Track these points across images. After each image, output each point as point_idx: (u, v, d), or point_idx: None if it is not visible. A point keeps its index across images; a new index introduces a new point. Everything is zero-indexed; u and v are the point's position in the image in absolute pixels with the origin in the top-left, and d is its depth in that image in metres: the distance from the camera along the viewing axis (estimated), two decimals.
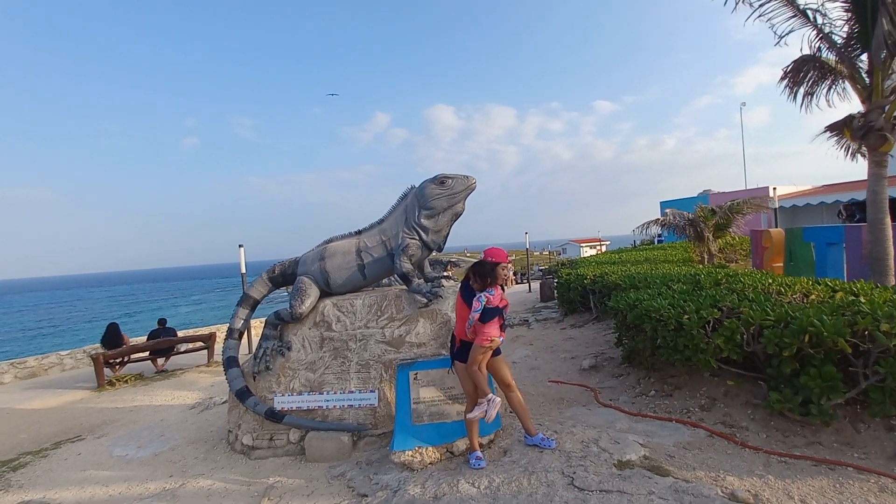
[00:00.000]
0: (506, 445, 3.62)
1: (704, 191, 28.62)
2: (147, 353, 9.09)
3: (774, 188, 13.98)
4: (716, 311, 4.02)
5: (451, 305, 4.29)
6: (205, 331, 10.87)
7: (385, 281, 5.36)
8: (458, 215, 4.50)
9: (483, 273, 3.33)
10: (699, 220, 11.18)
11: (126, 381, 8.22)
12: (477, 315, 3.26)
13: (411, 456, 3.50)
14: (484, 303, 3.26)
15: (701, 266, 9.17)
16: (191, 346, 9.75)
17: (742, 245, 13.81)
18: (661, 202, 29.48)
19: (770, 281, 4.91)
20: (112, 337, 9.05)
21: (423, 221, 4.39)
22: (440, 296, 4.32)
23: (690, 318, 4.03)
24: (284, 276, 4.89)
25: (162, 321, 9.81)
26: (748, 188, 25.63)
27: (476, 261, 3.44)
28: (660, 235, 23.25)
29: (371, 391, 4.20)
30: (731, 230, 11.70)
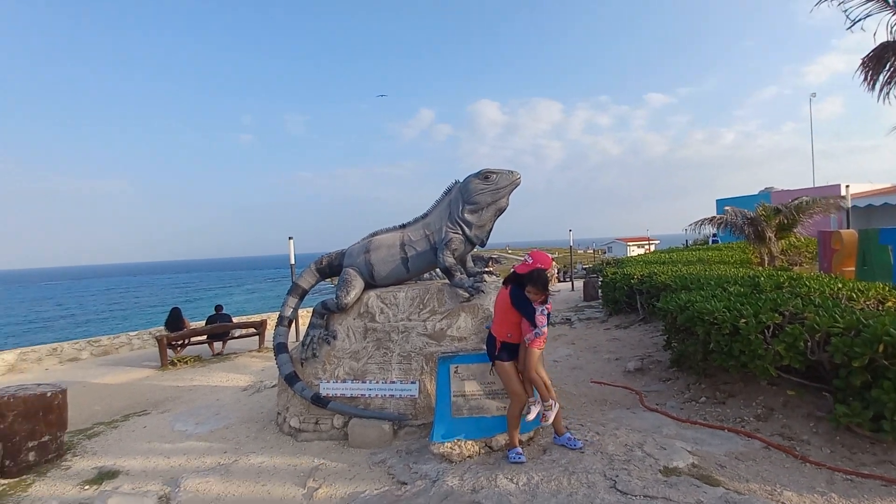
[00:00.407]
0: (545, 444, 3.59)
1: (766, 188, 26.82)
2: (205, 337, 9.68)
3: (847, 186, 12.87)
4: (777, 315, 3.78)
5: (492, 301, 4.29)
6: (256, 318, 11.43)
7: (427, 275, 5.43)
8: (501, 210, 4.47)
9: (545, 284, 3.33)
10: (760, 219, 10.49)
11: (186, 362, 8.80)
12: (546, 330, 3.36)
13: (450, 448, 3.53)
14: (548, 314, 3.34)
15: (761, 268, 8.62)
16: (244, 331, 10.28)
17: (808, 247, 12.85)
18: (717, 200, 27.93)
19: (840, 286, 4.55)
20: (174, 320, 9.70)
21: (467, 216, 4.40)
22: (482, 291, 4.32)
23: (748, 322, 3.81)
24: (331, 267, 5.06)
25: (218, 307, 10.40)
26: (817, 186, 23.76)
27: (535, 269, 3.36)
28: (714, 235, 22.05)
29: (412, 382, 4.28)
30: (795, 231, 10.90)
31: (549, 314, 3.40)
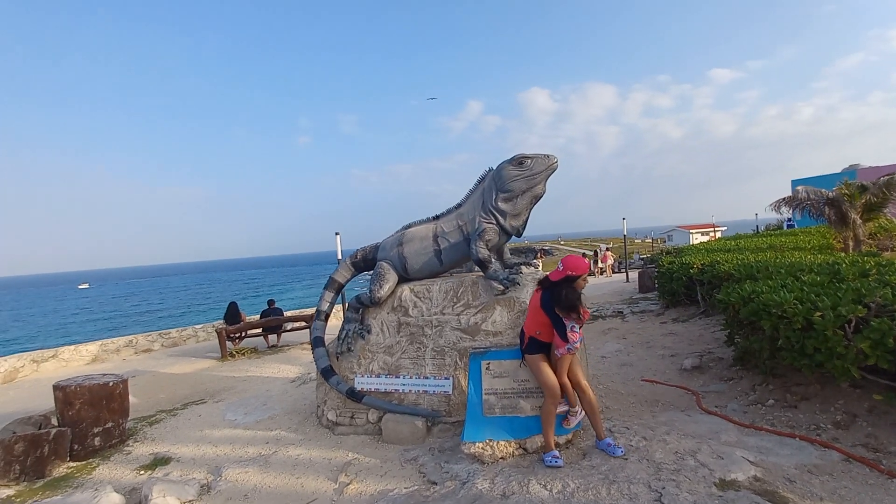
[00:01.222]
0: (585, 448, 3.35)
1: (851, 166, 24.05)
2: (260, 330, 10.15)
3: None
4: (860, 307, 3.27)
5: (529, 293, 4.06)
6: (308, 312, 11.83)
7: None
8: (538, 198, 4.22)
9: (570, 307, 3.08)
10: (842, 199, 9.34)
11: (244, 354, 9.26)
12: (578, 345, 3.21)
13: (482, 448, 3.38)
14: (579, 331, 3.17)
15: (843, 255, 7.66)
16: (295, 325, 10.67)
17: None
18: (792, 181, 25.44)
19: None
20: (232, 314, 10.23)
21: (501, 205, 4.19)
22: (518, 283, 4.10)
23: (825, 315, 3.33)
24: (366, 261, 5.03)
25: (271, 302, 10.85)
26: None
27: (565, 289, 3.12)
28: (790, 219, 20.09)
29: (445, 378, 4.16)
30: (886, 211, 9.62)
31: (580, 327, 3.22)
